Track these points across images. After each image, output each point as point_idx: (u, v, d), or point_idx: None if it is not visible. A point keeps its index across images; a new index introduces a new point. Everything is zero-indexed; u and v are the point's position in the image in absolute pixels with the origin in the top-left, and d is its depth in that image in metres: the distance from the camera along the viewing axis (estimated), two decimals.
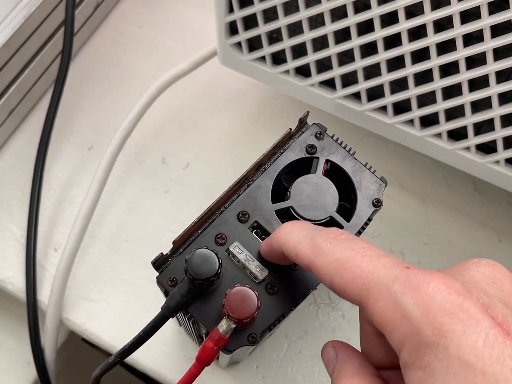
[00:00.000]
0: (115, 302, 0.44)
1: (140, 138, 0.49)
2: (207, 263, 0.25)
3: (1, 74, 0.45)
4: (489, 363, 0.17)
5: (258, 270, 0.28)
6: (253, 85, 0.52)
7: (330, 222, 0.29)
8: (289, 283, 0.28)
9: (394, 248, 0.45)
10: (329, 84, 0.39)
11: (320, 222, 0.29)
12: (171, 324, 0.41)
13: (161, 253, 0.27)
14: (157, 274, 0.28)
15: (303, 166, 0.30)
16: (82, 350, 0.57)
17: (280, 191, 0.30)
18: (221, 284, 0.27)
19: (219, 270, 0.25)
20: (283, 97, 0.51)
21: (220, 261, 0.25)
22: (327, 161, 0.30)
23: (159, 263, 0.28)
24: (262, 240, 0.28)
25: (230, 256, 0.28)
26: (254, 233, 0.29)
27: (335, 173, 0.30)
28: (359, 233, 0.29)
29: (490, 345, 0.18)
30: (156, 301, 0.43)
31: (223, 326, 0.26)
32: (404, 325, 0.19)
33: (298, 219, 0.28)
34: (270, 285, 0.27)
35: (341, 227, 0.29)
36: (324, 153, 0.30)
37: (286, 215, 0.29)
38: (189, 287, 0.26)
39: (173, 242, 0.28)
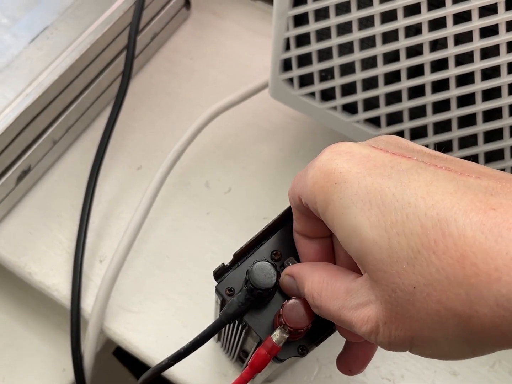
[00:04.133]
0: (154, 315, 0.46)
1: (187, 162, 0.52)
2: (267, 275, 0.27)
3: (64, 94, 0.48)
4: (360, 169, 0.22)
5: None
6: (296, 119, 0.55)
7: None
8: None
9: None
10: (374, 121, 0.42)
11: None
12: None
13: (223, 263, 0.29)
14: (215, 283, 0.30)
15: None
16: (111, 364, 0.59)
17: None
18: (274, 297, 0.29)
19: (277, 282, 0.27)
20: (323, 132, 0.54)
21: (279, 274, 0.27)
22: None
23: (220, 273, 0.30)
24: None
25: None
26: None
27: None
28: None
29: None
30: (193, 316, 0.46)
31: (277, 335, 0.27)
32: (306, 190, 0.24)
33: None
34: None
35: None
36: None
37: None
38: (246, 297, 0.28)
39: (234, 255, 0.30)
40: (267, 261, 0.28)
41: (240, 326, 0.30)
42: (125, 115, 0.54)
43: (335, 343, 0.45)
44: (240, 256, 0.30)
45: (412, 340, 0.20)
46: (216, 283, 0.30)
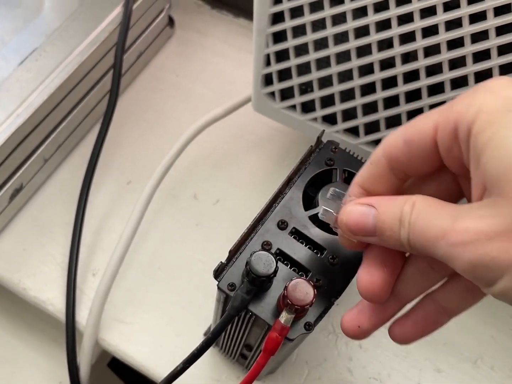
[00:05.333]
0: (147, 325, 0.47)
1: (175, 175, 0.53)
2: (266, 262, 0.28)
3: (54, 113, 0.50)
4: None
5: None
6: (280, 131, 0.56)
7: None
8: (330, 277, 0.31)
9: None
10: (353, 131, 0.44)
11: None
12: None
13: (221, 261, 0.31)
14: (207, 292, 0.32)
15: (323, 178, 0.34)
16: (107, 375, 0.60)
17: (307, 201, 0.34)
18: (272, 284, 0.31)
19: (277, 268, 0.29)
20: (306, 141, 0.55)
21: (277, 260, 0.29)
22: (344, 170, 0.34)
23: (220, 271, 0.31)
24: (301, 243, 0.32)
25: (278, 258, 0.31)
26: (293, 237, 0.32)
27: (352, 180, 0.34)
28: None
29: None
30: (186, 325, 0.47)
31: (283, 317, 0.29)
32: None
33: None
34: (315, 279, 0.31)
35: None
36: (340, 164, 0.34)
37: (318, 219, 0.32)
38: (248, 288, 0.29)
39: (229, 251, 0.31)
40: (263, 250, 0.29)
41: (247, 318, 0.31)
42: (114, 131, 0.55)
43: (322, 347, 0.47)
44: (235, 252, 0.32)
45: None
46: (216, 283, 0.31)
